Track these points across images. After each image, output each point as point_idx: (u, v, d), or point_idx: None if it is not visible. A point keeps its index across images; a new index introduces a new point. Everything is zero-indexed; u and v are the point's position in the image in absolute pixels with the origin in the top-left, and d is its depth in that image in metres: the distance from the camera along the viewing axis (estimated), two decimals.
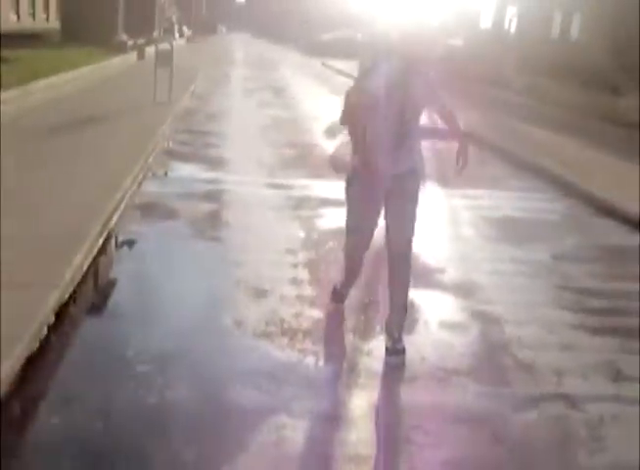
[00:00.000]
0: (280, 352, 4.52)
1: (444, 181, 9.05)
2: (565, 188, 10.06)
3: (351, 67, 22.20)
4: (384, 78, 4.43)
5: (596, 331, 5.34)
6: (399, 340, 4.61)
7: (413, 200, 4.68)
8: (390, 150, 4.53)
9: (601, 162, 12.38)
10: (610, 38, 19.39)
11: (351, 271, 5.08)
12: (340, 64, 31.73)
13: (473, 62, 27.38)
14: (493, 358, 4.77)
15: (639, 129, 15.00)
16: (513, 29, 29.44)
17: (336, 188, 9.05)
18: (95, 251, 5.85)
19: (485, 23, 32.28)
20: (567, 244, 7.56)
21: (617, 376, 4.66)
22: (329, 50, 42.14)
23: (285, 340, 4.69)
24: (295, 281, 5.74)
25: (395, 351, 4.58)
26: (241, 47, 54.41)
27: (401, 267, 4.67)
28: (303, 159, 11.04)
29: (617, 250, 7.56)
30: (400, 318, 4.67)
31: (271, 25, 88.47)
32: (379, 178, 4.56)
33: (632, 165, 11.79)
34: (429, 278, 6.08)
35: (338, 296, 5.23)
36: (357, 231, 4.83)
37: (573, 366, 4.74)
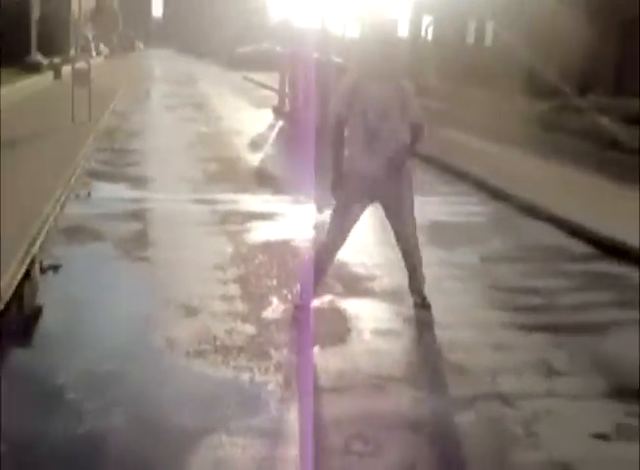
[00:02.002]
0: (214, 371, 4.44)
1: None
2: (490, 191, 10.23)
3: (272, 79, 22.21)
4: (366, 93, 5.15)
5: (527, 329, 5.42)
6: (425, 297, 5.54)
7: (411, 199, 5.39)
8: (365, 155, 5.21)
9: (525, 164, 12.63)
10: (525, 44, 19.86)
11: (321, 271, 5.46)
12: (260, 76, 31.74)
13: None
14: (428, 363, 4.80)
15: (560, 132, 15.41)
16: (430, 37, 29.94)
17: (262, 201, 9.08)
18: (18, 278, 5.66)
19: (402, 32, 32.73)
20: (494, 245, 7.68)
21: (550, 372, 4.73)
22: (249, 63, 42.11)
23: (219, 357, 4.61)
24: (225, 297, 5.67)
25: (426, 305, 5.49)
26: (160, 63, 53.91)
27: (415, 251, 5.50)
28: (228, 173, 10.96)
29: (541, 248, 7.71)
30: (422, 281, 5.57)
31: (190, 40, 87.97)
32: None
33: (557, 167, 12.10)
34: (359, 286, 6.09)
35: (303, 298, 5.48)
36: (338, 231, 5.36)
37: (507, 365, 4.80)
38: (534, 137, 14.86)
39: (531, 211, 9.10)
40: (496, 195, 10.05)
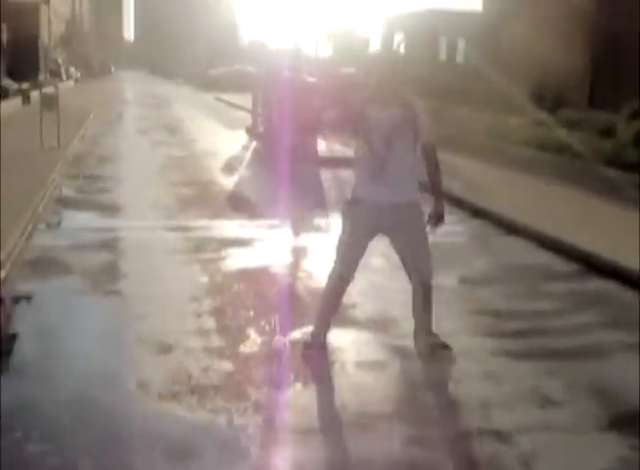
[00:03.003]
0: (189, 414, 4.15)
1: None
2: (469, 209, 10.06)
3: (245, 100, 22.01)
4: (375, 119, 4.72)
5: (517, 356, 5.20)
6: (438, 337, 5.07)
7: (423, 229, 4.93)
8: (373, 182, 4.76)
9: (501, 179, 12.50)
10: (497, 60, 19.88)
11: (331, 313, 5.07)
12: (233, 97, 31.55)
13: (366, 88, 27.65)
14: (416, 397, 4.55)
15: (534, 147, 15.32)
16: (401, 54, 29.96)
17: (237, 227, 8.81)
18: None
19: (374, 49, 32.79)
20: (475, 266, 7.48)
21: (544, 402, 4.50)
22: (222, 84, 42.00)
23: (193, 400, 4.33)
24: (200, 332, 5.39)
25: (445, 345, 5.04)
26: (132, 86, 53.62)
27: (426, 292, 4.98)
28: (202, 198, 10.69)
29: (523, 267, 7.51)
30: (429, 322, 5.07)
31: (162, 62, 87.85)
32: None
33: (533, 182, 11.98)
34: (341, 314, 5.82)
35: (315, 344, 5.02)
36: (346, 263, 4.93)
37: (499, 396, 4.56)
38: (511, 153, 14.75)
39: (510, 228, 8.93)
40: (475, 213, 9.87)
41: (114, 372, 4.73)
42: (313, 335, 5.05)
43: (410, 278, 5.06)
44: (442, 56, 27.07)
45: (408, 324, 5.55)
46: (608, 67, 19.00)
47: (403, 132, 4.72)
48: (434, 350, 5.07)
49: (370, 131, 4.70)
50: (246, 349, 5.13)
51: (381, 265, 7.19)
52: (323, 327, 5.04)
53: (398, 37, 30.77)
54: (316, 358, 4.90)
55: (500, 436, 4.04)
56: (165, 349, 5.06)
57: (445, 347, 5.09)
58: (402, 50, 30.03)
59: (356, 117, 4.76)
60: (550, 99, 18.83)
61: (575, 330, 5.76)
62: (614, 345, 5.46)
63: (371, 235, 4.94)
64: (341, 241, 4.94)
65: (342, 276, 4.95)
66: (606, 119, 16.21)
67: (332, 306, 5.06)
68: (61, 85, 31.86)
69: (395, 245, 5.02)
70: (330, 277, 5.02)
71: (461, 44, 26.48)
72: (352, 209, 4.87)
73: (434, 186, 5.05)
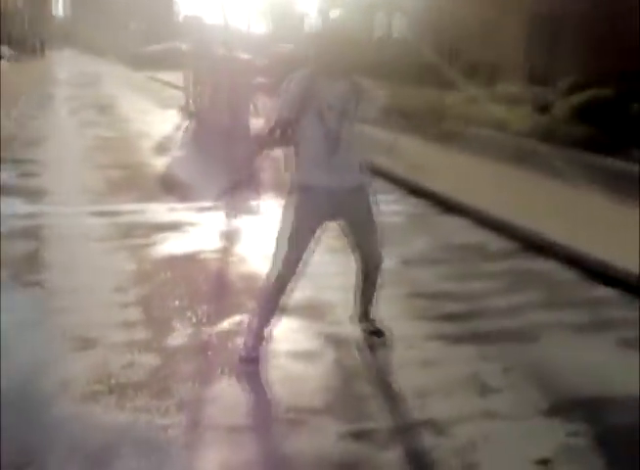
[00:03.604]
0: (108, 415, 3.89)
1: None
2: (407, 187, 9.92)
3: (178, 78, 21.50)
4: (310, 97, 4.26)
5: (454, 340, 5.05)
6: (374, 322, 4.96)
7: (372, 212, 4.59)
8: (326, 165, 4.34)
9: (438, 157, 12.39)
10: (433, 36, 19.77)
11: (267, 321, 4.59)
12: (168, 76, 30.87)
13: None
14: (351, 389, 4.35)
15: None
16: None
17: (168, 210, 8.50)
18: None
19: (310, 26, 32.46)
20: (414, 246, 7.33)
21: (483, 389, 4.36)
22: (155, 62, 41.12)
23: (112, 399, 4.06)
24: (126, 324, 5.11)
25: (380, 332, 4.91)
26: (63, 65, 52.20)
27: (377, 275, 4.79)
28: (132, 180, 10.31)
29: (461, 247, 7.40)
30: (371, 306, 4.95)
31: (95, 40, 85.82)
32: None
33: (468, 159, 11.89)
34: None
35: (250, 350, 4.54)
36: (287, 262, 4.42)
37: (436, 384, 4.41)
38: (447, 130, 14.65)
39: (448, 207, 8.82)
40: (413, 191, 9.74)
41: (31, 371, 4.42)
42: (247, 346, 4.55)
43: (360, 262, 4.75)
44: (378, 32, 26.87)
45: (343, 310, 5.38)
46: (544, 44, 19.04)
47: (351, 108, 4.35)
48: (370, 336, 4.90)
49: (321, 106, 4.25)
50: (172, 341, 4.88)
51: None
52: (259, 337, 4.54)
53: (334, 14, 30.45)
54: (252, 374, 4.42)
55: (437, 427, 3.88)
56: (88, 344, 4.78)
57: (381, 333, 4.92)
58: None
59: (305, 96, 4.26)
60: (486, 74, 18.80)
61: (513, 311, 5.64)
62: (552, 325, 5.36)
63: (319, 225, 4.49)
64: (281, 236, 4.44)
65: (283, 276, 4.42)
66: (543, 95, 16.26)
67: (268, 312, 4.55)
68: None
69: (346, 230, 4.64)
70: (267, 278, 4.50)
71: (397, 20, 26.29)
72: (298, 198, 4.38)
73: None
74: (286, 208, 4.48)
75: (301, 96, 4.24)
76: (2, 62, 46.23)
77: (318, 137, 4.30)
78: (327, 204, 4.39)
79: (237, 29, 26.99)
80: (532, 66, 19.22)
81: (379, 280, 4.83)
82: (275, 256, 4.47)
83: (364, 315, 4.96)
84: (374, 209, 4.61)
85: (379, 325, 4.98)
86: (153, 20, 76.34)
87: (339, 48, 4.34)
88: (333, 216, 4.52)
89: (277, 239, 4.48)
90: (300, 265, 4.49)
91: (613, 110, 13.31)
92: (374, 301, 4.94)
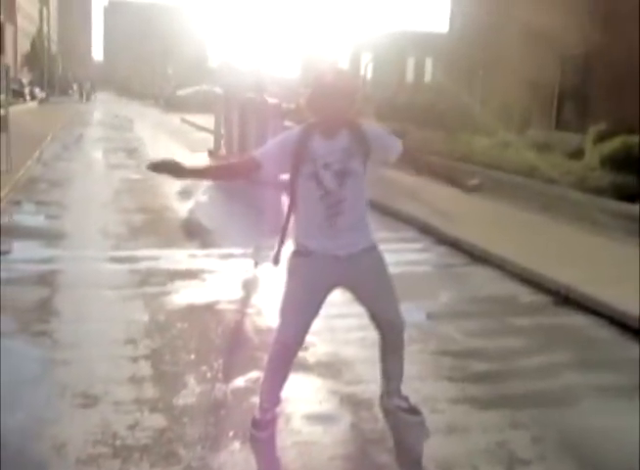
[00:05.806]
0: None
1: None
2: (435, 235, 9.64)
3: (209, 121, 21.53)
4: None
5: (482, 404, 4.73)
6: (408, 399, 4.09)
7: (385, 274, 4.04)
8: (327, 229, 3.86)
9: (468, 204, 12.10)
10: (465, 80, 19.64)
11: (280, 385, 4.03)
12: (199, 119, 31.07)
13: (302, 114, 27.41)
14: (369, 457, 4.05)
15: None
16: (369, 75, 29.71)
17: (187, 257, 8.28)
18: None
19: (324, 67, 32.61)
20: (439, 299, 7.03)
21: (511, 460, 4.03)
22: (188, 105, 41.56)
23: (116, 464, 3.80)
24: (133, 380, 4.85)
25: (415, 410, 4.06)
26: (98, 106, 52.93)
27: (401, 342, 4.12)
28: (153, 225, 10.15)
29: (490, 300, 7.08)
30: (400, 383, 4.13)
31: (131, 83, 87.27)
32: None
33: (502, 208, 11.62)
34: None
35: (264, 413, 3.99)
36: (293, 328, 3.90)
37: (461, 453, 4.09)
38: (477, 176, 14.37)
39: (476, 257, 8.52)
40: (441, 240, 9.45)
41: (25, 431, 4.16)
42: (261, 408, 4.02)
43: (379, 330, 4.12)
44: (410, 76, 26.83)
45: (361, 367, 5.10)
46: (574, 89, 18.82)
47: (356, 164, 3.88)
48: (404, 415, 4.10)
49: (316, 167, 3.81)
50: (182, 399, 4.61)
51: (332, 300, 6.69)
52: (272, 401, 4.03)
53: (366, 57, 30.53)
54: (266, 439, 3.93)
55: None
56: (91, 401, 4.52)
57: (417, 411, 4.15)
58: (370, 71, 29.80)
59: (295, 153, 3.83)
60: (517, 120, 18.57)
61: (544, 372, 5.31)
62: (587, 388, 5.02)
63: (327, 291, 4.03)
64: (286, 301, 3.97)
65: (288, 344, 3.92)
66: (573, 142, 15.99)
67: (280, 377, 4.02)
68: (23, 106, 31.15)
69: (360, 297, 4.12)
70: (274, 343, 4.00)
71: (429, 64, 26.24)
72: (300, 262, 3.96)
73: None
74: (290, 272, 4.02)
75: (292, 154, 3.82)
76: (33, 103, 46.98)
77: (315, 199, 3.85)
78: (332, 270, 3.94)
79: (267, 74, 27.12)
80: (564, 110, 18.98)
81: (404, 348, 4.17)
82: (281, 321, 3.98)
83: (395, 392, 4.17)
84: (386, 270, 4.05)
85: (410, 404, 4.15)
86: (187, 64, 77.48)
87: (330, 102, 3.80)
88: (341, 284, 4.06)
89: (282, 304, 4.00)
90: (308, 331, 3.98)
91: None
92: (401, 373, 4.16)
